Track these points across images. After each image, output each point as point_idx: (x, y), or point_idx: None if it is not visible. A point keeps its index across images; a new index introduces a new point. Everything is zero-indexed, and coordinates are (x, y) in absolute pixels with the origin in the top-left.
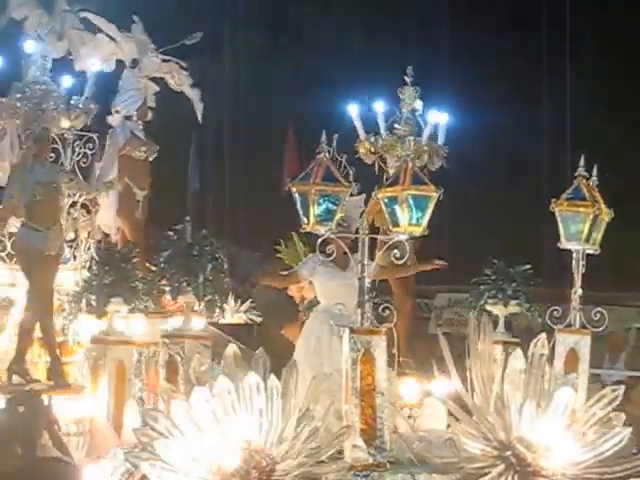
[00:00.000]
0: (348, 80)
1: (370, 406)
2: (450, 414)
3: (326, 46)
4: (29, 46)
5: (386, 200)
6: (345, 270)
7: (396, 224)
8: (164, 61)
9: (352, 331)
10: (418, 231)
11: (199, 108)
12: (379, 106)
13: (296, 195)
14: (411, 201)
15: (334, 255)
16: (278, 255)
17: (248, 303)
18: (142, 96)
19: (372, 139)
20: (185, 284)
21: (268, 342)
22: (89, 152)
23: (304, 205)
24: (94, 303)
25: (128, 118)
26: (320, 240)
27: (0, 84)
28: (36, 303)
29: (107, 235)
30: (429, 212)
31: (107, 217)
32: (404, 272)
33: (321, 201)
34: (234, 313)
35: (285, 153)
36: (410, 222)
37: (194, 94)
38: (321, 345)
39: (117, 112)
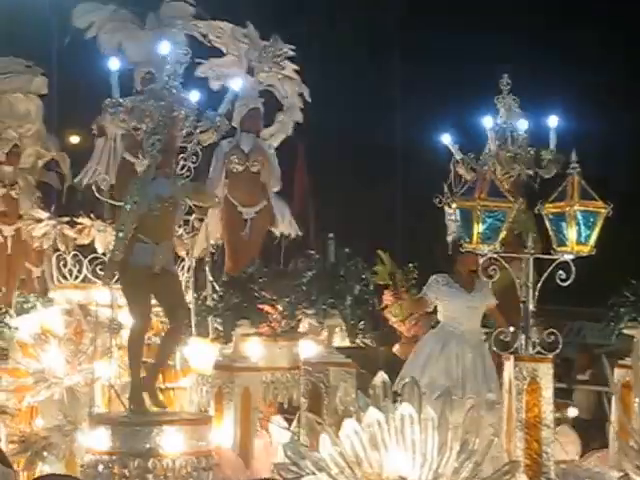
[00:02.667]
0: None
1: (536, 440)
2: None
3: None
4: (164, 47)
5: (551, 217)
6: (471, 291)
7: (562, 243)
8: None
9: (517, 358)
10: (586, 250)
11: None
12: (488, 121)
13: (457, 212)
14: (580, 218)
15: (496, 277)
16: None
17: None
18: (252, 106)
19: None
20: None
21: (383, 365)
22: (192, 165)
23: (466, 222)
24: (220, 327)
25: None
26: (483, 260)
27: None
28: (136, 323)
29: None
30: (597, 230)
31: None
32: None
33: (486, 218)
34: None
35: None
36: (578, 240)
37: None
38: (451, 368)
39: None
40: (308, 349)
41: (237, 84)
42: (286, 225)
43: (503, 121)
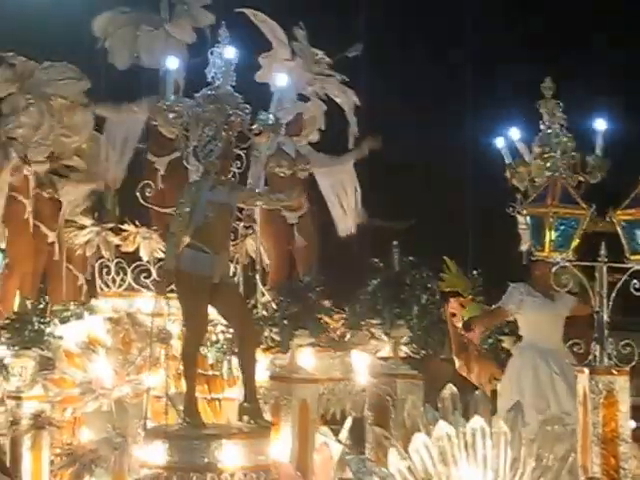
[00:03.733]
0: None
1: (613, 455)
2: None
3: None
4: (229, 53)
5: (624, 224)
6: (553, 300)
7: (636, 251)
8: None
9: (592, 371)
10: None
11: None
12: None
13: (527, 219)
14: None
15: (570, 285)
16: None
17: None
18: (297, 110)
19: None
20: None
21: (435, 376)
22: (236, 170)
23: (537, 230)
24: (276, 337)
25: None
26: (555, 268)
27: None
28: (192, 333)
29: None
30: None
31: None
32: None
33: (558, 225)
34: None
35: None
36: None
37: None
38: (541, 384)
39: None
40: (360, 359)
41: (282, 80)
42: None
43: (547, 126)
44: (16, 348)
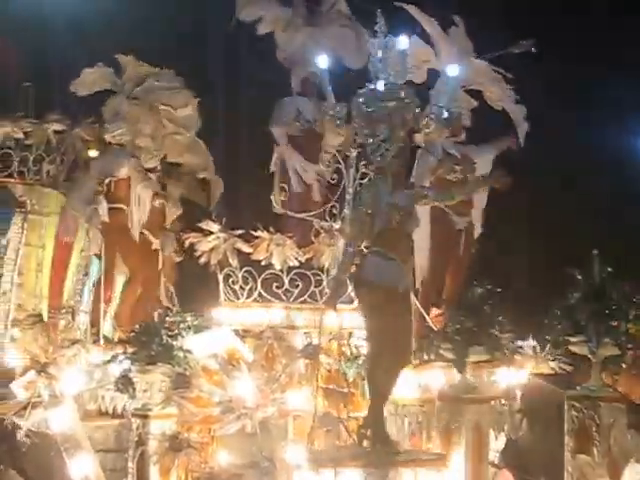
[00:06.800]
0: None
1: None
2: None
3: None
4: (403, 43)
5: None
6: None
7: None
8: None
9: None
10: None
11: (522, 128)
12: None
13: None
14: None
15: None
16: None
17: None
18: (458, 109)
19: None
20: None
21: None
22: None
23: None
24: (447, 353)
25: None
26: None
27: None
28: (387, 350)
29: None
30: None
31: None
32: None
33: None
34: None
35: None
36: None
37: (517, 111)
38: None
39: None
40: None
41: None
42: None
43: None
44: (142, 363)
